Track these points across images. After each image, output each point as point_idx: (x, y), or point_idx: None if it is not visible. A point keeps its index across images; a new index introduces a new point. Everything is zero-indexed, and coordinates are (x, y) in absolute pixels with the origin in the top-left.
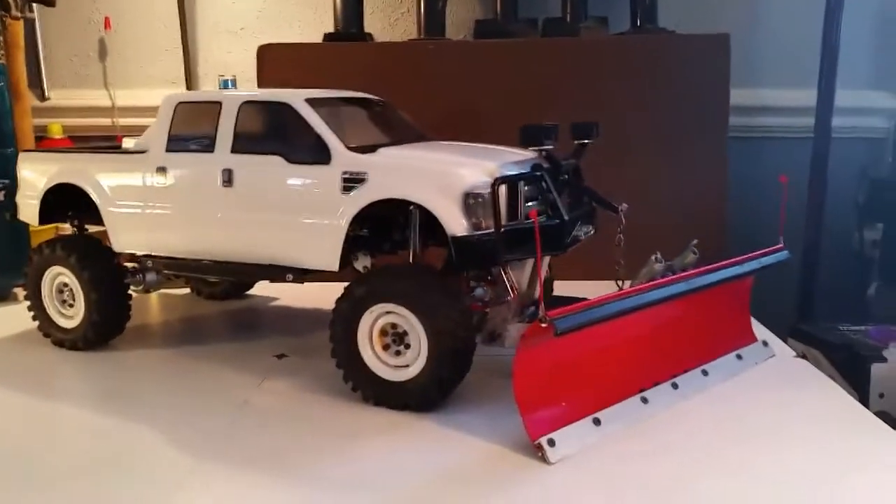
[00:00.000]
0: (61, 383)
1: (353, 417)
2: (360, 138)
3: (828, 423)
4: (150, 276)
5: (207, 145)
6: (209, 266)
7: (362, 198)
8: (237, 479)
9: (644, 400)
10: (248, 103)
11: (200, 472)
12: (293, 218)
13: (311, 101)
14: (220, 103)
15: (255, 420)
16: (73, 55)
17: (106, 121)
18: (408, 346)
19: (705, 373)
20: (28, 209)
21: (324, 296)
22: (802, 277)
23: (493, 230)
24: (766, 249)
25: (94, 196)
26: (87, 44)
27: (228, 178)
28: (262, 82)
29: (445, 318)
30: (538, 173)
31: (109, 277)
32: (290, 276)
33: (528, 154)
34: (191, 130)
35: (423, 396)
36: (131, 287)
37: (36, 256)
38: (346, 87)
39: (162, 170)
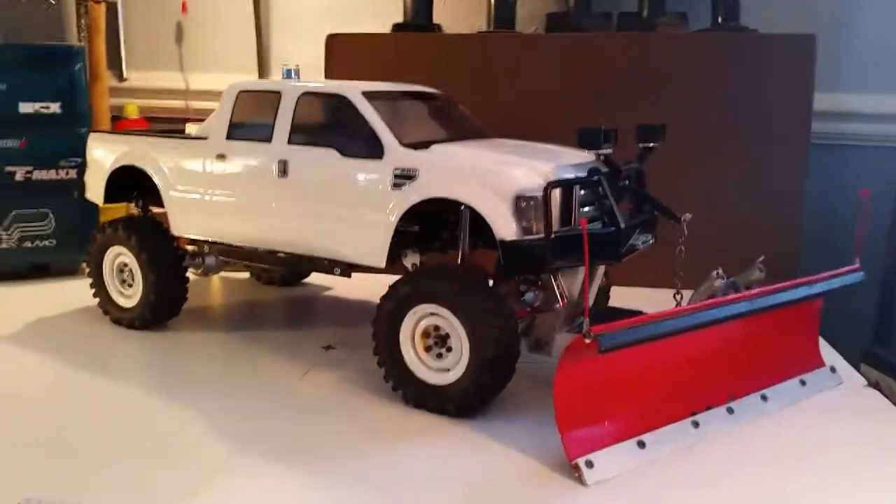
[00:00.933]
0: (114, 361)
1: (390, 417)
2: (416, 133)
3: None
4: (210, 260)
5: (266, 135)
6: (261, 255)
7: (412, 195)
8: (268, 472)
9: (695, 424)
10: (307, 94)
11: (235, 461)
12: (343, 212)
13: (368, 95)
14: (279, 93)
15: (294, 411)
16: (151, 37)
17: (179, 103)
18: (450, 350)
19: (764, 398)
20: (94, 188)
21: (378, 288)
22: (881, 299)
23: (543, 235)
24: (840, 270)
25: (155, 179)
26: (165, 27)
27: (284, 169)
28: (330, 72)
29: (488, 323)
30: (595, 178)
31: (167, 260)
32: (338, 270)
33: (587, 156)
34: (251, 119)
35: (463, 402)
36: (191, 270)
37: (99, 235)
38: (413, 78)
39: (221, 157)
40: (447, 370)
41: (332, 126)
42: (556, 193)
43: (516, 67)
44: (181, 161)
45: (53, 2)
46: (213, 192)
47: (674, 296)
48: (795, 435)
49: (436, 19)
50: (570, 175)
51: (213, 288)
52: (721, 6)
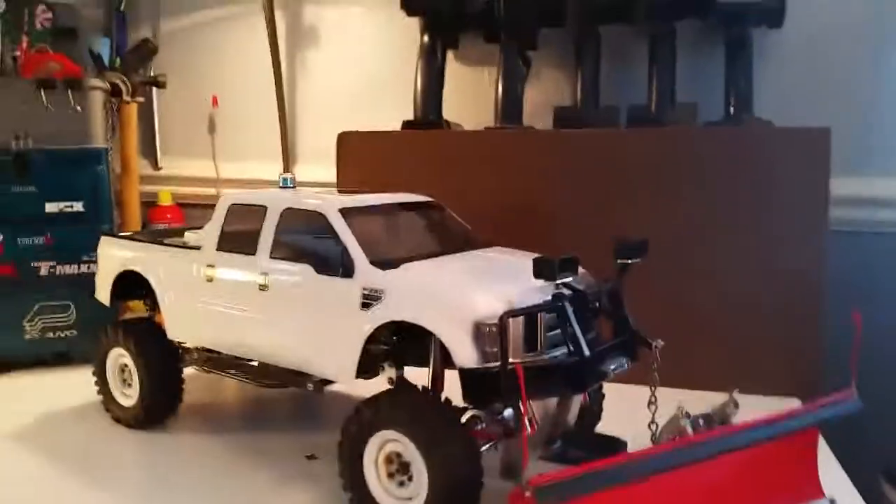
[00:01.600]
0: (101, 458)
1: None
2: (391, 250)
3: None
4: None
5: (251, 248)
6: (245, 367)
7: (377, 317)
8: None
9: None
10: (290, 210)
11: None
12: (316, 329)
13: (345, 212)
14: (265, 207)
15: None
16: (184, 128)
17: (211, 190)
18: (411, 479)
19: None
20: (102, 290)
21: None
22: None
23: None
24: (833, 397)
25: (153, 284)
26: (197, 119)
27: (264, 283)
28: (341, 167)
29: (445, 451)
30: (558, 304)
31: (163, 363)
32: (310, 386)
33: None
34: (240, 231)
35: None
36: (194, 368)
37: (103, 337)
38: (422, 175)
39: (211, 267)
40: (409, 499)
41: (310, 242)
42: (519, 322)
43: (525, 163)
44: (175, 269)
45: (80, 109)
46: (203, 301)
47: (648, 425)
48: None
49: (445, 114)
50: (533, 301)
51: (212, 384)
52: (733, 97)
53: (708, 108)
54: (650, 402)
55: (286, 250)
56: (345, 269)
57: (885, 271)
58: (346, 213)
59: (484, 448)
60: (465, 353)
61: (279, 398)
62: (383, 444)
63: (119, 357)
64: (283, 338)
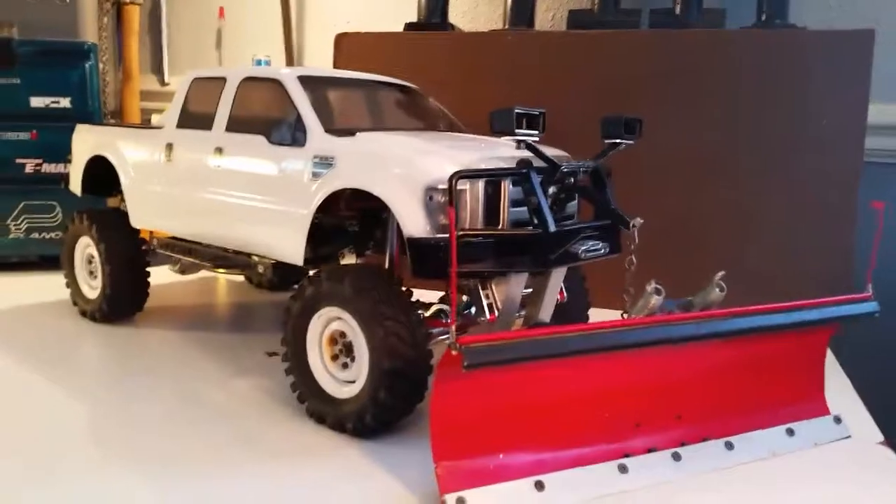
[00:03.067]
0: (64, 352)
1: (286, 431)
2: (353, 122)
3: None
4: (186, 260)
5: (209, 123)
6: (200, 250)
7: (326, 186)
8: (126, 477)
9: (623, 469)
10: (248, 80)
11: (106, 463)
12: (266, 203)
13: (306, 80)
14: (224, 79)
15: (194, 418)
16: (192, 43)
17: None
18: (354, 360)
19: (730, 446)
20: (74, 179)
21: None
22: None
23: (477, 232)
24: (847, 296)
25: (117, 169)
26: (205, 32)
27: (219, 158)
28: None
29: (388, 331)
30: (523, 170)
31: (126, 253)
32: (261, 268)
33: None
34: (200, 107)
35: (359, 421)
36: (168, 267)
37: (70, 226)
38: (422, 79)
39: (170, 146)
40: (351, 382)
41: (265, 112)
42: (478, 187)
43: (532, 66)
44: (138, 151)
45: (67, 0)
46: (162, 183)
47: (622, 315)
48: (744, 495)
49: (451, 19)
50: (494, 166)
51: (200, 289)
52: (766, 1)
53: (739, 16)
54: (624, 291)
55: (242, 123)
56: (298, 137)
57: None
58: (305, 81)
59: (441, 338)
60: (414, 222)
61: (262, 303)
62: (327, 324)
63: (86, 247)
64: (236, 216)
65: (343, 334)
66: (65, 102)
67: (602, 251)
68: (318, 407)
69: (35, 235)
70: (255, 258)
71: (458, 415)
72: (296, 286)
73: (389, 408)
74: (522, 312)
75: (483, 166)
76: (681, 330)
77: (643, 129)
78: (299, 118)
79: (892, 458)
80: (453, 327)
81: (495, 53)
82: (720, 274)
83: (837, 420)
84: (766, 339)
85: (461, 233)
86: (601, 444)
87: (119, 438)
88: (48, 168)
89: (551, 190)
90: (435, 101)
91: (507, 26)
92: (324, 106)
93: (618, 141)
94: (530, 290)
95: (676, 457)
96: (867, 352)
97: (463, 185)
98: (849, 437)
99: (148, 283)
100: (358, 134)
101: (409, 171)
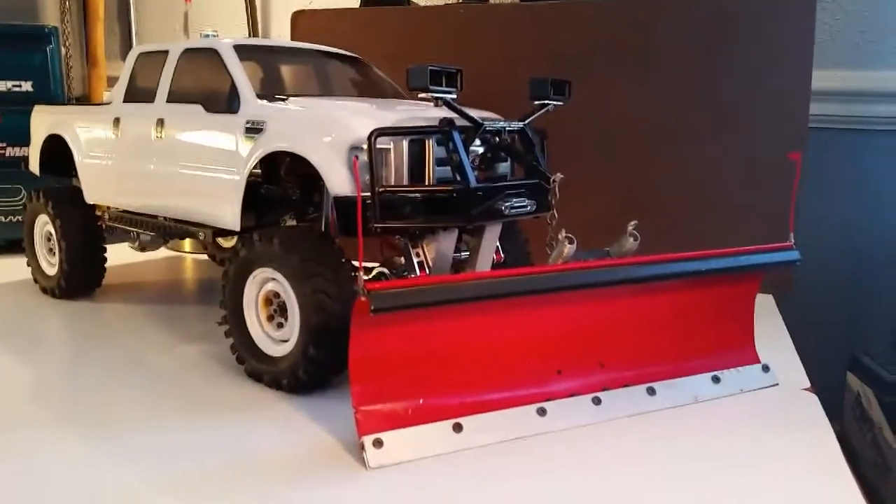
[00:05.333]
0: (19, 326)
1: (223, 390)
2: (287, 88)
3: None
4: (145, 235)
5: (152, 95)
6: (148, 222)
7: (257, 150)
8: (62, 429)
9: (541, 411)
10: (188, 51)
11: (28, 416)
12: (203, 171)
13: (242, 48)
14: (167, 52)
15: (135, 378)
16: (160, 28)
17: None
18: (287, 319)
19: (651, 391)
20: (33, 158)
21: None
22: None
23: (386, 191)
24: (769, 245)
25: (71, 146)
26: (173, 17)
27: (160, 129)
28: None
29: (316, 287)
30: (445, 129)
31: (81, 229)
32: (202, 235)
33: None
34: (144, 82)
35: (293, 377)
36: (128, 244)
37: (28, 204)
38: (380, 54)
39: (117, 121)
40: (286, 341)
41: (202, 82)
42: (402, 147)
43: (486, 39)
44: (89, 127)
45: None
46: (111, 157)
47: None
48: (662, 437)
49: None
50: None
51: (162, 266)
52: None
53: None
54: (548, 238)
55: (182, 94)
56: (232, 105)
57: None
58: (242, 50)
59: None
60: (339, 181)
61: (216, 277)
62: (262, 285)
63: (44, 224)
64: (177, 185)
65: (277, 294)
66: (27, 86)
67: (528, 208)
68: (256, 366)
69: (1, 219)
70: (197, 227)
71: (375, 361)
72: None
73: (320, 363)
74: None
75: (408, 125)
76: (590, 276)
77: (573, 92)
78: (233, 86)
79: (813, 404)
80: (360, 272)
81: (449, 27)
82: (633, 223)
83: (765, 368)
84: (689, 287)
85: (381, 189)
86: (521, 389)
87: (58, 399)
88: (12, 152)
89: (478, 149)
90: (380, 71)
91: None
92: (259, 74)
93: (546, 102)
94: (467, 253)
95: (596, 401)
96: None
97: (385, 143)
98: (776, 384)
99: (105, 259)
100: (290, 99)
101: (333, 131)
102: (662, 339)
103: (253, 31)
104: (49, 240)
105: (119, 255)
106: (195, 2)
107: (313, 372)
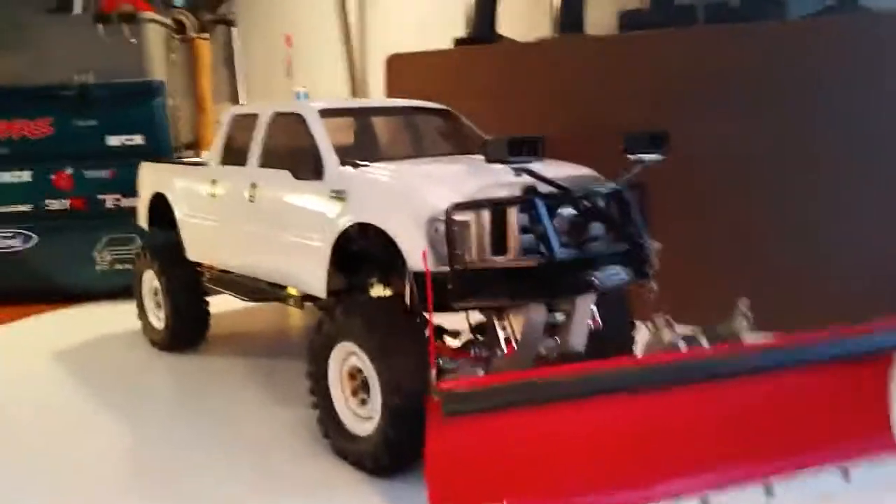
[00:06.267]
0: (126, 380)
1: (310, 467)
2: (372, 152)
3: None
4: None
5: (244, 157)
6: (240, 284)
7: (341, 220)
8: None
9: None
10: (277, 115)
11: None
12: (291, 237)
13: (326, 113)
14: (257, 115)
15: (223, 444)
16: (264, 71)
17: None
18: (371, 396)
19: (770, 492)
20: (141, 213)
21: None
22: None
23: (466, 266)
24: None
25: (172, 205)
26: (275, 61)
27: (252, 193)
28: (390, 91)
29: (397, 367)
30: (530, 198)
31: (184, 285)
32: (291, 301)
33: (564, 173)
34: (238, 143)
35: (374, 458)
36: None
37: (137, 260)
38: (472, 91)
39: (214, 182)
40: (370, 419)
41: (290, 147)
42: (483, 219)
43: (584, 73)
44: (188, 187)
45: (134, 41)
46: (209, 217)
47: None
48: None
49: (502, 30)
50: (500, 194)
51: (268, 315)
52: None
53: (804, 3)
54: (649, 319)
55: (273, 158)
56: (317, 171)
57: None
58: (326, 114)
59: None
60: (418, 255)
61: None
62: (346, 358)
63: (151, 280)
64: (266, 248)
65: (360, 370)
66: (137, 139)
67: (622, 278)
68: (340, 443)
69: (119, 267)
70: (287, 290)
71: (453, 460)
72: None
73: (402, 445)
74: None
75: (487, 195)
76: (690, 369)
77: (673, 141)
78: (317, 152)
79: None
80: (433, 371)
81: (544, 62)
82: (745, 301)
83: None
84: (807, 373)
85: (459, 266)
86: (618, 492)
87: (136, 463)
88: (127, 202)
89: (568, 214)
90: (467, 119)
91: (555, 34)
92: (345, 138)
93: (643, 157)
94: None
95: None
96: None
97: (466, 215)
98: None
99: (207, 313)
100: (372, 165)
101: (411, 203)
102: (779, 428)
103: (352, 76)
104: (156, 294)
105: (229, 301)
106: (296, 46)
107: (398, 454)
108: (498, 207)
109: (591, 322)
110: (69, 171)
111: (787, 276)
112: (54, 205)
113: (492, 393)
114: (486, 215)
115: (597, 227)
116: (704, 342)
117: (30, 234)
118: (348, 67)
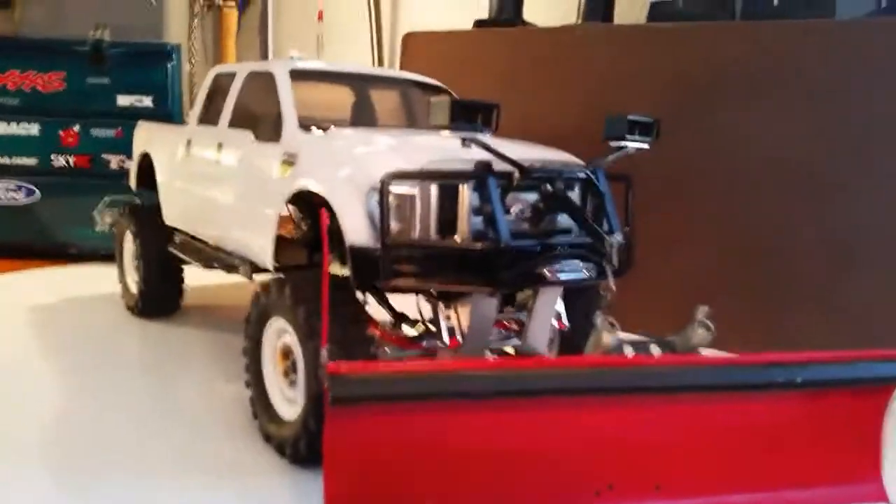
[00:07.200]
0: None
1: (235, 447)
2: (341, 118)
3: None
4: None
5: (217, 118)
6: (198, 251)
7: (287, 186)
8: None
9: None
10: (252, 74)
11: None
12: (245, 202)
13: (299, 73)
14: (234, 73)
15: (161, 419)
16: (295, 46)
17: None
18: (297, 379)
19: None
20: (131, 173)
21: None
22: None
23: (380, 244)
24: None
25: (155, 165)
26: (308, 35)
27: (218, 155)
28: (404, 70)
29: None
30: (481, 174)
31: (158, 251)
32: (242, 269)
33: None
34: (216, 103)
35: (293, 446)
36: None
37: (118, 222)
38: (489, 74)
39: (189, 143)
40: (296, 402)
41: (257, 107)
42: (429, 195)
43: (609, 63)
44: (167, 147)
45: (154, 2)
46: (182, 179)
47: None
48: None
49: (530, 16)
50: (450, 168)
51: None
52: None
53: (852, 3)
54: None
55: (241, 118)
56: (277, 132)
57: None
58: (300, 76)
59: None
60: (355, 228)
61: None
62: (279, 335)
63: (130, 241)
64: (224, 215)
65: (292, 350)
66: (147, 101)
67: (582, 275)
68: (265, 426)
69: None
70: (239, 260)
71: (352, 457)
72: None
73: (321, 436)
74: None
75: (443, 168)
76: (617, 378)
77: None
78: (279, 113)
79: None
80: (324, 350)
81: (564, 49)
82: (704, 309)
83: None
84: (787, 398)
85: (391, 242)
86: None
87: (66, 424)
88: (130, 165)
89: (526, 198)
90: (458, 96)
91: (579, 21)
92: (311, 101)
93: (622, 144)
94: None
95: None
96: None
97: (410, 188)
98: None
99: (182, 280)
100: (331, 129)
101: (353, 171)
102: (741, 459)
103: (379, 52)
104: (136, 258)
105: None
106: (327, 22)
107: (314, 445)
108: (446, 182)
109: (555, 322)
110: (76, 127)
111: (802, 284)
112: (59, 161)
113: (386, 381)
114: (433, 189)
115: (565, 219)
116: (656, 351)
117: (33, 188)
118: (376, 45)
